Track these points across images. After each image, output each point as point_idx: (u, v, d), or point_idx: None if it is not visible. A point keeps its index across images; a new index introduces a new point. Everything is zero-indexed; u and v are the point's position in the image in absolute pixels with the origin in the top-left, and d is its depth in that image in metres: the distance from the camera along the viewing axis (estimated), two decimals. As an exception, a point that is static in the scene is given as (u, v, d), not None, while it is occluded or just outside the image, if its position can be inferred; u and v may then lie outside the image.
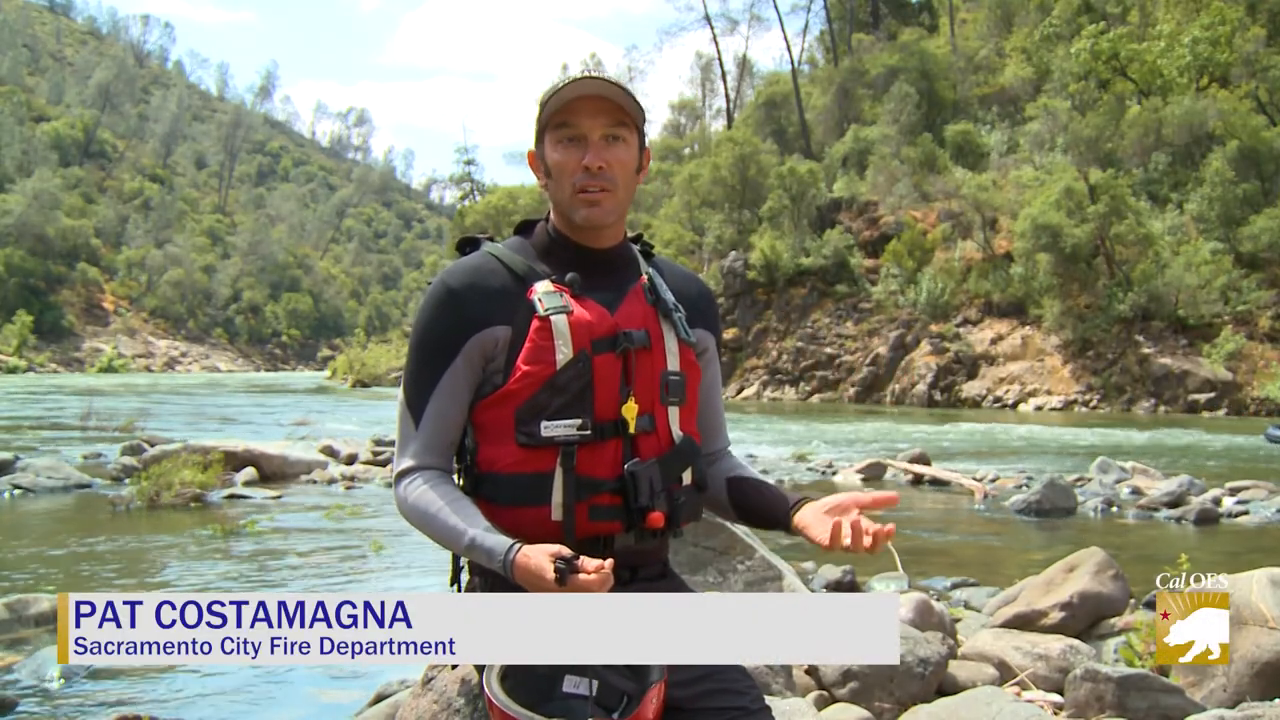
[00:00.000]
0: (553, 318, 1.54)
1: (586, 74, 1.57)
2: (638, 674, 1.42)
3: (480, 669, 1.55)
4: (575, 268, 1.60)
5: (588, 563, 1.38)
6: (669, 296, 1.64)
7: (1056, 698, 3.57)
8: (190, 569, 6.60)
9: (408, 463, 1.59)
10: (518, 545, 1.44)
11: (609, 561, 1.39)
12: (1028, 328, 32.32)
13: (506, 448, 1.54)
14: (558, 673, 1.44)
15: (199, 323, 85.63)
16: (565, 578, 1.36)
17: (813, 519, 1.56)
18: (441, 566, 1.97)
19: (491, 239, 1.67)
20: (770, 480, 1.76)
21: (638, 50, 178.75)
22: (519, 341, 1.55)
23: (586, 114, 1.56)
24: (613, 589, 1.56)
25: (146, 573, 6.45)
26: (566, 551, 1.39)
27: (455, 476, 1.64)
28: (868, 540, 1.47)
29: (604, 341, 1.55)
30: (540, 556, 1.40)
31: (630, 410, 1.55)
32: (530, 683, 1.42)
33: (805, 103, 46.81)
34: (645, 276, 1.65)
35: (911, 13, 53.09)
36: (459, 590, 1.66)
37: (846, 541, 1.49)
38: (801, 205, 38.19)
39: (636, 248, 1.72)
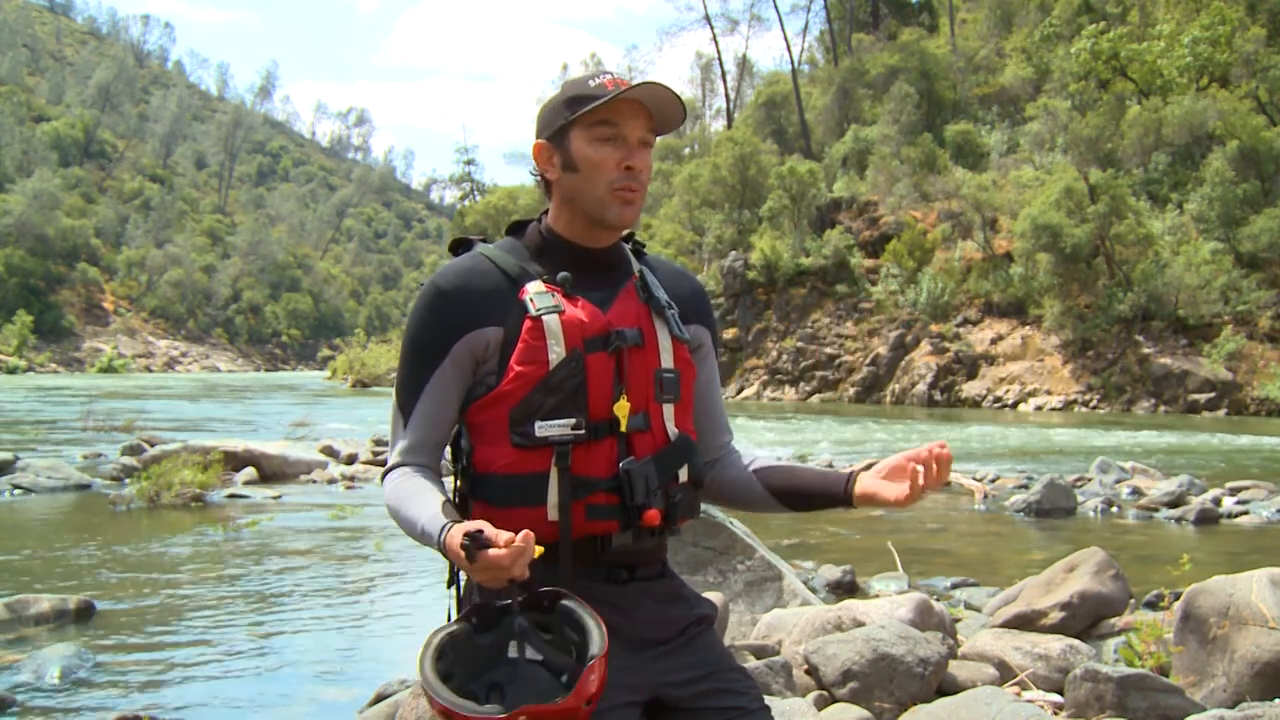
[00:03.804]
0: (545, 317, 1.53)
1: (647, 80, 1.56)
2: (578, 650, 1.37)
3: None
4: (568, 267, 1.59)
5: (499, 536, 1.33)
6: (661, 294, 1.63)
7: (1056, 698, 3.57)
8: (191, 569, 6.60)
9: (392, 460, 1.60)
10: (449, 525, 1.41)
11: (526, 532, 1.34)
12: (1028, 328, 32.31)
13: (501, 449, 1.53)
14: (501, 642, 1.39)
15: (199, 323, 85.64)
16: (473, 554, 1.32)
17: (875, 485, 1.58)
18: (440, 566, 1.95)
19: (485, 240, 1.65)
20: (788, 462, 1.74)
21: (638, 50, 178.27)
22: (511, 342, 1.53)
23: (630, 116, 1.56)
24: (612, 588, 1.55)
25: (147, 573, 6.44)
26: (477, 526, 1.35)
27: (452, 478, 1.63)
28: (935, 467, 1.52)
29: (596, 340, 1.54)
30: (456, 534, 1.37)
31: (622, 408, 1.54)
32: (470, 655, 1.37)
33: (805, 103, 46.80)
34: (637, 274, 1.64)
35: (911, 13, 53.09)
36: (457, 590, 1.64)
37: (921, 482, 1.53)
38: (801, 205, 38.17)
39: (628, 246, 1.71)
